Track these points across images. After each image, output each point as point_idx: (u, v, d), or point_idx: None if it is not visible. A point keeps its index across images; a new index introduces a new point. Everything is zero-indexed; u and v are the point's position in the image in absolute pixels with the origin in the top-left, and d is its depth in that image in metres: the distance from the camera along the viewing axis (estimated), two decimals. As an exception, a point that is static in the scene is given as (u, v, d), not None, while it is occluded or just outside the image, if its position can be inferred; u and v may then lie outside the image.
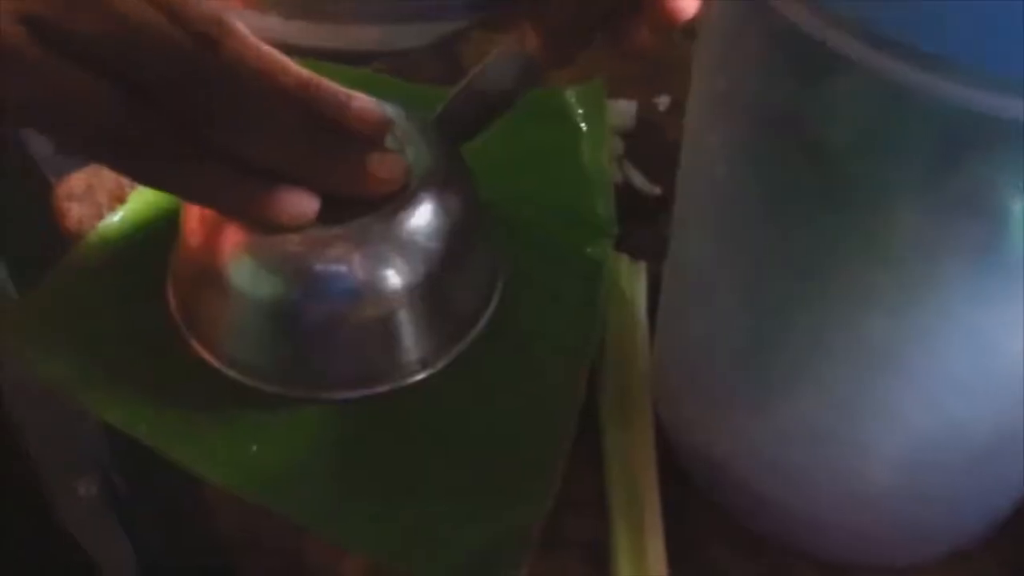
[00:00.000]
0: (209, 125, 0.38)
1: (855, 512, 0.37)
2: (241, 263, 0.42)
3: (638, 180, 0.52)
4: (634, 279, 0.47)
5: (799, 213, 0.30)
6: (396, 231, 0.42)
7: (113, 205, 0.49)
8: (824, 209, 0.29)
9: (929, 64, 0.24)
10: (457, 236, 0.43)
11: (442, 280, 0.43)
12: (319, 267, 0.41)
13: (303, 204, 0.40)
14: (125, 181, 0.49)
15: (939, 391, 0.32)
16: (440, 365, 0.45)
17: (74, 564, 0.81)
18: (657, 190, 0.52)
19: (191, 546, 0.63)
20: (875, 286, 0.30)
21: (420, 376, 0.45)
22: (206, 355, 0.44)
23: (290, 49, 0.49)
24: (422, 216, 0.42)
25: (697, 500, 0.42)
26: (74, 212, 0.49)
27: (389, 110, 0.43)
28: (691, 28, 0.57)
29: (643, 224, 0.50)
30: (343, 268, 0.42)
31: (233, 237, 0.42)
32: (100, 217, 0.48)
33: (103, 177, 0.50)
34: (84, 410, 0.44)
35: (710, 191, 0.34)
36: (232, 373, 0.44)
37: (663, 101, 0.56)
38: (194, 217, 0.43)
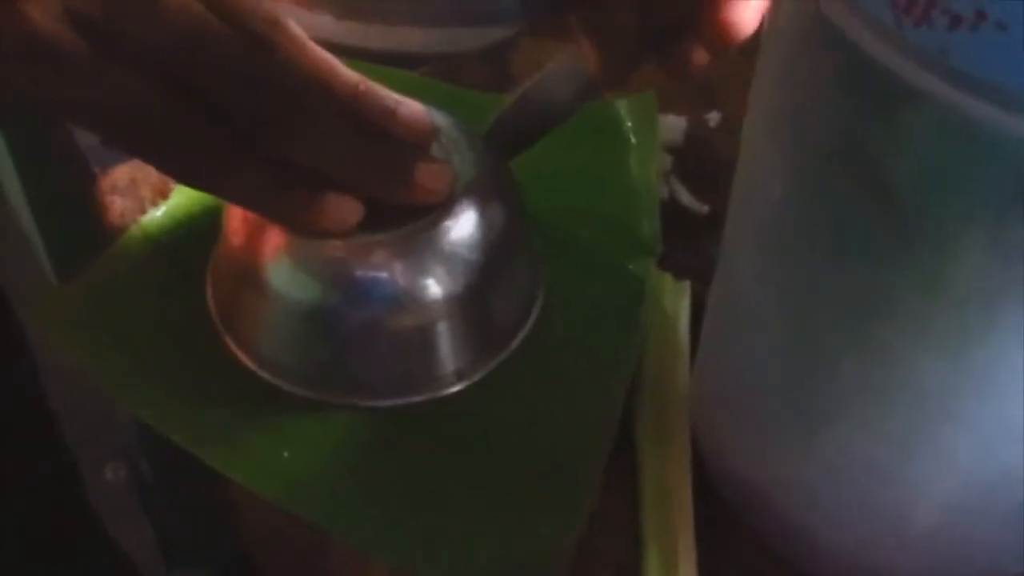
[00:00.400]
0: (256, 126, 0.37)
1: (896, 551, 0.36)
2: (281, 265, 0.41)
3: (685, 197, 0.51)
4: (677, 298, 0.47)
5: (858, 245, 0.29)
6: (438, 241, 0.41)
7: (156, 200, 0.48)
8: (885, 243, 0.28)
9: (1009, 102, 0.23)
10: (499, 248, 0.43)
11: (482, 292, 0.43)
12: (359, 273, 0.41)
13: (347, 210, 0.40)
14: (169, 176, 0.49)
15: (993, 435, 0.31)
16: (477, 377, 0.44)
17: (103, 548, 0.81)
18: (704, 208, 0.51)
19: (214, 538, 0.63)
20: (933, 327, 0.29)
21: (456, 387, 0.44)
22: (242, 356, 0.44)
23: (339, 49, 0.49)
24: (465, 227, 0.42)
25: (731, 526, 0.41)
26: (117, 205, 0.49)
27: (438, 117, 0.43)
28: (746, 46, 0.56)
29: (688, 243, 0.50)
30: (383, 275, 0.41)
31: (275, 239, 0.41)
32: (143, 211, 0.48)
33: (147, 171, 0.49)
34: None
35: (765, 214, 0.33)
36: (266, 375, 0.43)
37: (714, 117, 0.55)
38: (236, 216, 0.43)
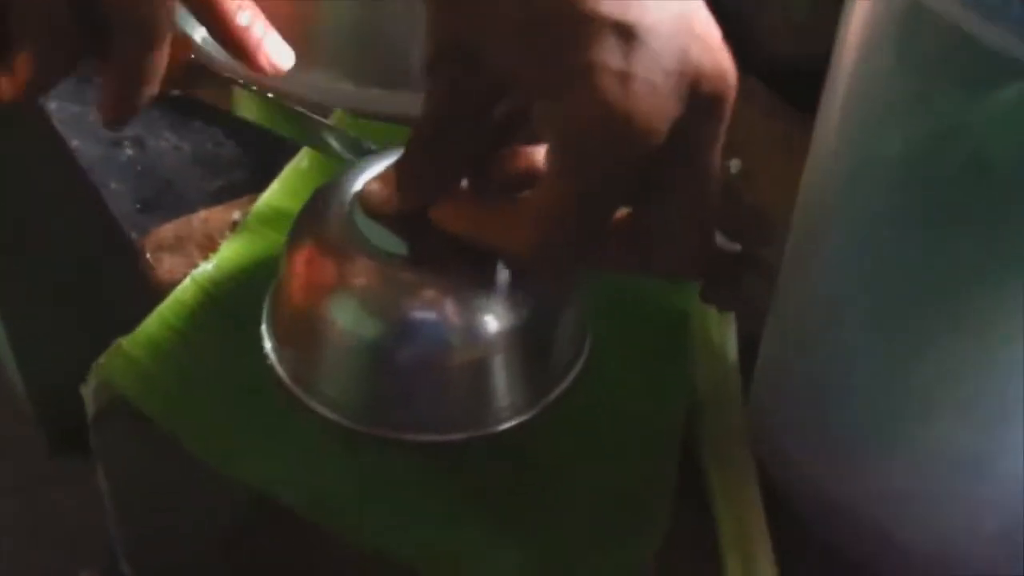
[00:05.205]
0: None
1: (985, 551, 0.37)
2: (343, 304, 0.42)
3: (717, 238, 0.53)
4: (724, 329, 0.48)
5: (955, 222, 0.30)
6: (494, 278, 0.42)
7: (204, 254, 0.49)
8: (983, 219, 0.29)
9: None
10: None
11: (537, 328, 0.44)
12: (417, 311, 0.42)
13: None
14: (214, 232, 0.50)
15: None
16: (532, 412, 0.45)
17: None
18: (736, 247, 0.53)
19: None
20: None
21: (513, 422, 0.45)
22: (299, 392, 0.44)
23: (360, 114, 0.54)
24: None
25: (803, 536, 0.42)
26: (165, 262, 0.49)
27: None
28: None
29: (721, 281, 0.51)
30: (443, 311, 0.42)
31: (336, 279, 0.42)
32: (191, 266, 0.48)
33: (192, 228, 0.50)
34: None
35: (849, 200, 0.34)
36: (327, 412, 0.44)
37: (734, 164, 0.57)
38: (299, 260, 0.43)
